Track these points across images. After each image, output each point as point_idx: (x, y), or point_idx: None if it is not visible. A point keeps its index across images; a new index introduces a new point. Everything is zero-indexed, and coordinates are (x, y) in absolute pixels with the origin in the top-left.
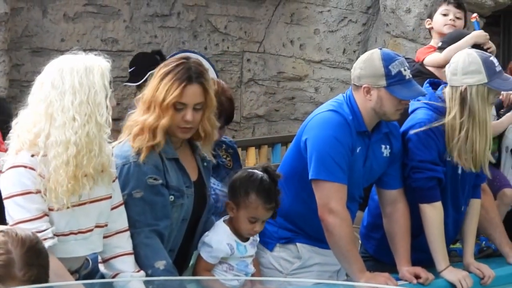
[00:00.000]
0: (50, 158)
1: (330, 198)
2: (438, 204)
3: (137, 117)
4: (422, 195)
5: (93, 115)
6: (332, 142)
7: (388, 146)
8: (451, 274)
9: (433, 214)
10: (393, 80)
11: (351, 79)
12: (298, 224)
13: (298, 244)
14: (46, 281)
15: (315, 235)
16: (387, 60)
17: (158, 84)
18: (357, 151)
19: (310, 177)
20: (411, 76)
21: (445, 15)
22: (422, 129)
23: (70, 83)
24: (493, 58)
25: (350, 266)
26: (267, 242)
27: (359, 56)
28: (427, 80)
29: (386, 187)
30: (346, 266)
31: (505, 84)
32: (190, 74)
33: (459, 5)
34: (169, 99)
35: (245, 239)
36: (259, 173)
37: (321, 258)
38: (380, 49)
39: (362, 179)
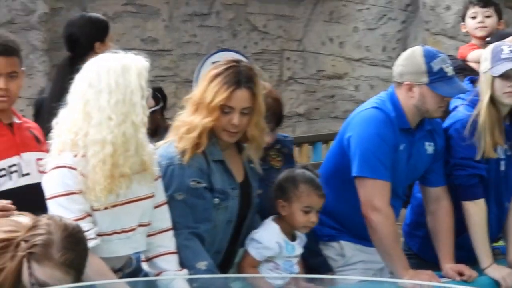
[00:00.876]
0: (88, 157)
1: (374, 195)
2: (481, 201)
3: (185, 118)
4: (464, 193)
5: (129, 115)
6: (376, 140)
7: (432, 143)
8: (495, 271)
9: (476, 211)
10: (435, 77)
11: (392, 76)
12: (342, 222)
13: (341, 242)
14: (82, 270)
15: (359, 233)
16: (429, 57)
17: (207, 86)
18: (401, 148)
19: (353, 174)
20: (453, 73)
21: (473, 17)
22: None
23: (106, 82)
24: (505, 46)
25: (394, 263)
26: None
27: (398, 54)
28: (467, 77)
29: (430, 184)
30: (390, 263)
31: (501, 68)
32: (240, 78)
33: (485, 4)
34: (216, 101)
35: (293, 238)
36: (299, 169)
37: (364, 256)
38: (422, 46)
39: (405, 176)
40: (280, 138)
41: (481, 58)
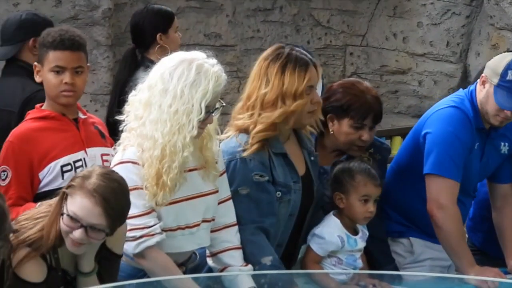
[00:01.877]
0: (144, 149)
1: (441, 193)
2: None
3: (258, 117)
4: None
5: (184, 128)
6: (451, 139)
7: (507, 144)
8: None
9: None
10: (503, 84)
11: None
12: (412, 218)
13: (411, 238)
14: (113, 206)
15: (428, 230)
16: None
17: (281, 78)
18: (475, 147)
19: (424, 171)
20: None
21: None
22: None
23: (174, 86)
24: None
25: (460, 260)
26: None
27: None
28: None
29: (498, 181)
30: (456, 260)
31: None
32: (305, 58)
33: None
34: (303, 86)
35: (355, 232)
36: (355, 162)
37: (433, 253)
38: None
39: (477, 174)
40: (376, 143)
41: None
